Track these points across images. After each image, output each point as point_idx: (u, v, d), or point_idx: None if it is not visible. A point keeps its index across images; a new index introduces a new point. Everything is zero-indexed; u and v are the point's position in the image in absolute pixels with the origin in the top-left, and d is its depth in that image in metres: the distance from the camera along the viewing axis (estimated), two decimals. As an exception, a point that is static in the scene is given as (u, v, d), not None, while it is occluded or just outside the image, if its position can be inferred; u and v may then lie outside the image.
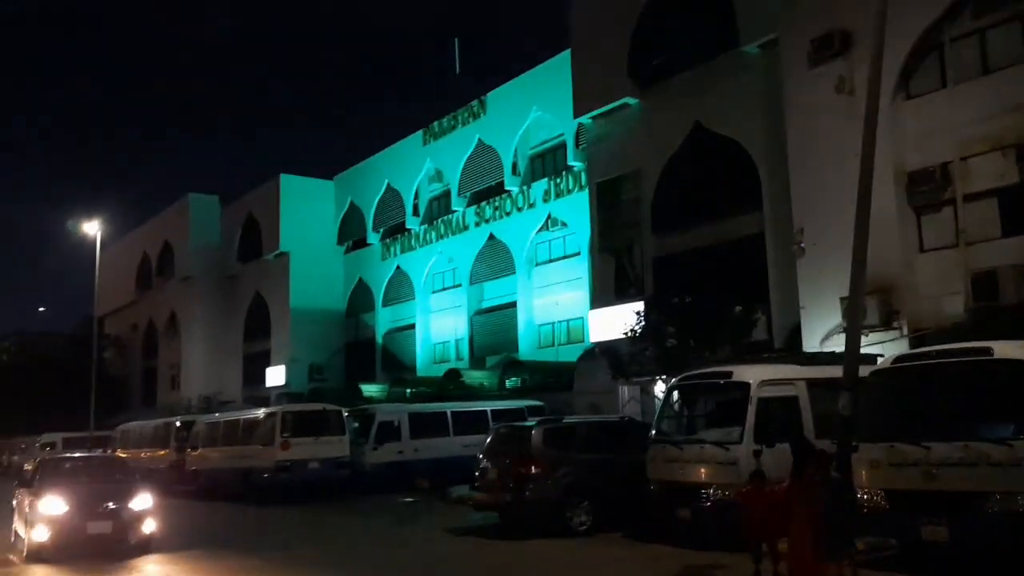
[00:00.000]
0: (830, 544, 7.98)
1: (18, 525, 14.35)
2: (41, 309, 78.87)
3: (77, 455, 20.64)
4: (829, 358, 13.10)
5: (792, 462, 8.66)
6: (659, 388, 23.10)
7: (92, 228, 37.02)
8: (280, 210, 47.44)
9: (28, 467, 35.56)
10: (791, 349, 18.96)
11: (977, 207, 16.24)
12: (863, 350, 14.53)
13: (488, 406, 25.16)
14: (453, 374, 33.73)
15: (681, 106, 24.01)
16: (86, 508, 12.95)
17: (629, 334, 20.66)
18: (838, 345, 16.45)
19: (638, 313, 20.65)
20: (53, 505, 12.84)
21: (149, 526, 13.38)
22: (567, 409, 23.34)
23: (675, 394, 13.03)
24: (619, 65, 25.89)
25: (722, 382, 12.11)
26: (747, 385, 11.34)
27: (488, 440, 15.24)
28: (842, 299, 17.05)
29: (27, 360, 58.79)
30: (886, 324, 16.73)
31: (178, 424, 28.57)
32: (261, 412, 23.87)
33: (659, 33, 25.27)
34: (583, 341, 30.61)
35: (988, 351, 9.20)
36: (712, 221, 23.40)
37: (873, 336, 16.19)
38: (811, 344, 18.05)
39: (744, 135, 22.47)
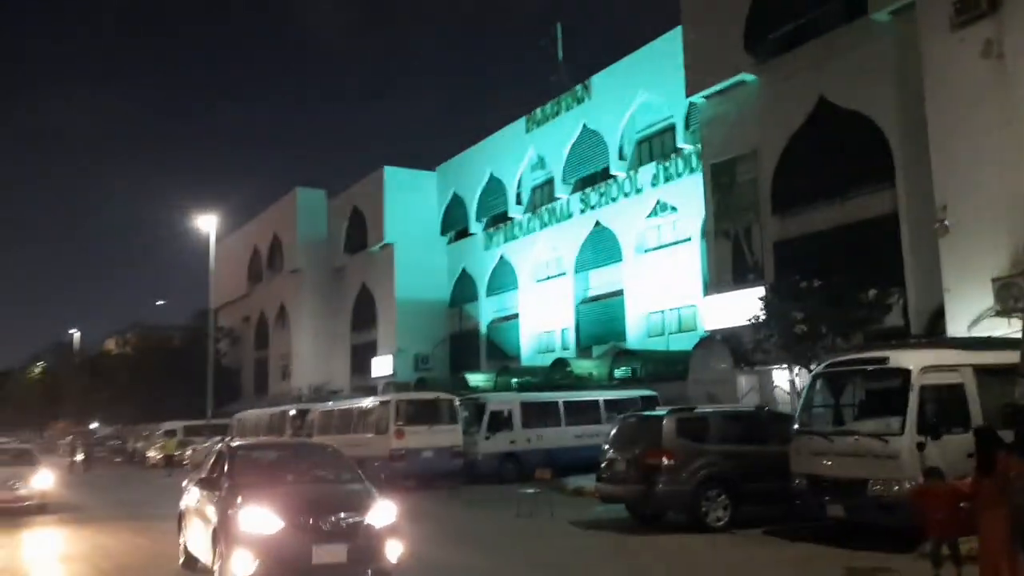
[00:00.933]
0: (1028, 547, 7.14)
1: (193, 542, 10.06)
2: (160, 303, 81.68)
3: (274, 441, 17.27)
4: (993, 343, 11.94)
5: (976, 456, 7.78)
6: (779, 376, 22.12)
7: (206, 224, 38.03)
8: (384, 202, 47.95)
9: (149, 447, 37.11)
10: (932, 334, 17.74)
11: None
12: (1010, 335, 13.36)
13: (601, 396, 24.66)
14: (560, 363, 33.26)
15: (803, 80, 22.86)
16: (309, 525, 8.46)
17: (752, 320, 19.82)
18: (988, 330, 15.23)
19: (762, 298, 19.73)
20: (261, 520, 8.42)
21: (394, 550, 8.70)
22: (681, 399, 22.56)
23: (821, 382, 12.13)
24: (735, 40, 24.80)
25: (874, 368, 11.17)
26: (907, 371, 10.37)
27: (614, 430, 14.65)
28: (994, 280, 15.81)
29: (146, 351, 61.25)
30: (1040, 307, 15.35)
31: (293, 412, 29.03)
32: (375, 401, 23.88)
33: (778, 4, 24.06)
34: (696, 329, 29.69)
35: None
36: (838, 200, 22.26)
37: (1025, 320, 14.84)
38: (956, 329, 16.75)
39: (874, 108, 21.20)
